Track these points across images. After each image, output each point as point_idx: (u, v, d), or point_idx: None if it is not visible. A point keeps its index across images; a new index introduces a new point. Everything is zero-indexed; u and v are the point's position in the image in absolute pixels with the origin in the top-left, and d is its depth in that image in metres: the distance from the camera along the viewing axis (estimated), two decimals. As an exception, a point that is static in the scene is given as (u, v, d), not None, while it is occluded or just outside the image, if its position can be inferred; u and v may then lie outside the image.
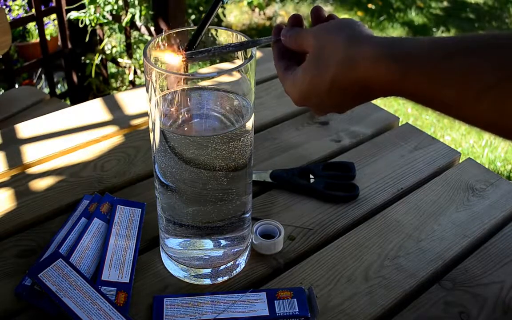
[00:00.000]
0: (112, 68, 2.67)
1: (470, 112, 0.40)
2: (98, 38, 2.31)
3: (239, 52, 0.58)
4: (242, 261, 0.66)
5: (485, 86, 0.37)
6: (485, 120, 0.39)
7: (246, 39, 0.57)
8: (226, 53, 0.56)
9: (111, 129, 0.93)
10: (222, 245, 0.64)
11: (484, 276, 0.66)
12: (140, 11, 2.11)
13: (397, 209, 0.76)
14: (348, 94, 0.47)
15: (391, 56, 0.43)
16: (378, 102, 0.95)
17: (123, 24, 2.13)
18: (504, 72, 0.37)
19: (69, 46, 2.21)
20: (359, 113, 0.99)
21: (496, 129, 0.39)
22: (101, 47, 2.28)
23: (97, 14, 2.10)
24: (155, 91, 0.55)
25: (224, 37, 0.60)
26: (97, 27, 2.25)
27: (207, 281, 0.64)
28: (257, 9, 3.69)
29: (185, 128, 0.59)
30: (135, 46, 2.46)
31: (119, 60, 2.36)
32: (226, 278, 0.65)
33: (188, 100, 0.59)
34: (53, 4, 2.10)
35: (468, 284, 0.65)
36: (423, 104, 0.43)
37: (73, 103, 2.29)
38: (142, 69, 2.28)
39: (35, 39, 2.58)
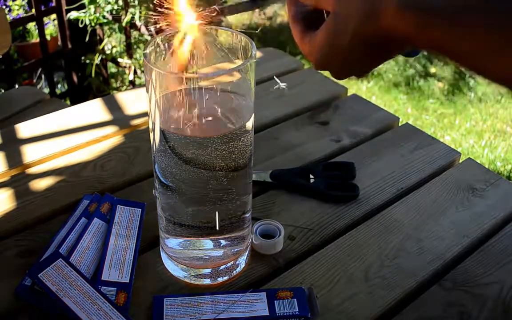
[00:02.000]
0: (112, 68, 2.67)
1: (489, 64, 0.39)
2: (98, 38, 2.32)
3: (239, 52, 0.58)
4: (242, 261, 0.66)
5: (507, 40, 0.37)
6: (505, 74, 0.39)
7: (247, 39, 0.57)
8: (235, 13, 0.55)
9: (111, 129, 0.93)
10: (222, 245, 0.64)
11: (484, 276, 0.66)
12: (140, 11, 2.11)
13: (397, 209, 0.76)
14: (369, 48, 0.46)
15: (414, 6, 0.42)
16: (378, 102, 0.95)
17: (123, 24, 2.14)
18: None
19: (69, 46, 2.21)
20: (359, 113, 0.99)
21: None
22: (101, 47, 2.28)
23: (97, 14, 2.10)
24: (155, 91, 0.55)
25: (224, 37, 0.60)
26: (97, 27, 2.25)
27: (207, 281, 0.64)
28: (257, 9, 3.69)
29: (185, 128, 0.59)
30: (135, 46, 2.46)
31: (119, 60, 2.36)
32: (226, 278, 0.65)
33: (188, 100, 0.59)
34: (53, 4, 2.10)
35: (468, 284, 0.65)
36: (444, 55, 0.42)
37: (73, 103, 2.29)
38: (142, 69, 2.28)
39: (35, 39, 2.58)
